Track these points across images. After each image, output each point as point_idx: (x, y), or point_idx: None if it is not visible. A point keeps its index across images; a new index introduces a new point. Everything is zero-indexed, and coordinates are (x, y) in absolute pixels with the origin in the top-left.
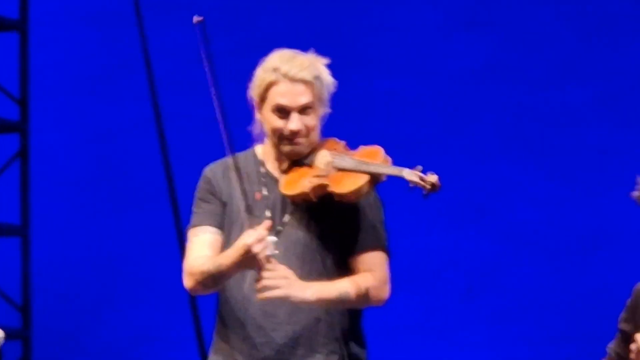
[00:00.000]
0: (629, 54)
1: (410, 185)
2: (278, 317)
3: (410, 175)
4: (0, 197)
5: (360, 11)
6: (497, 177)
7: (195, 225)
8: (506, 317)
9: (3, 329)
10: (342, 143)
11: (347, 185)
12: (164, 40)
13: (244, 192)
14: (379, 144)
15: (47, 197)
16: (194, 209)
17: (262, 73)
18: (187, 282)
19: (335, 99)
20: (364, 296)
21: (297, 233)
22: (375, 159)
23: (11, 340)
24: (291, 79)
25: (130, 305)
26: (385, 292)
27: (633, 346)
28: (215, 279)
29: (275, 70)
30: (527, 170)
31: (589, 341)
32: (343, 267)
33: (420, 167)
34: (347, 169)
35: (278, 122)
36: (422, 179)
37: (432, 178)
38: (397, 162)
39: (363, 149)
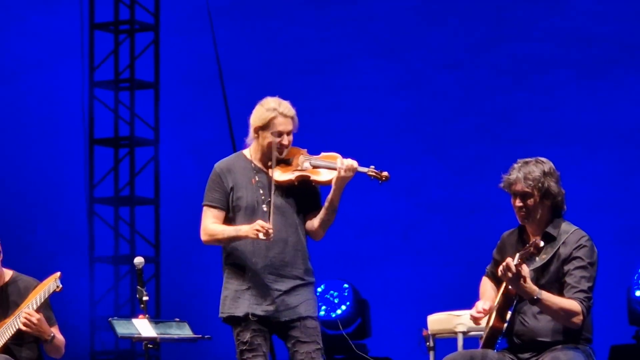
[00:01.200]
0: None
1: (371, 178)
2: (275, 249)
3: (370, 171)
4: None
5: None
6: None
7: (207, 203)
8: (428, 257)
9: None
10: (305, 150)
11: (326, 176)
12: None
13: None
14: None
15: None
16: (206, 191)
17: (265, 112)
18: (203, 238)
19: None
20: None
21: (280, 202)
22: (336, 161)
23: None
24: (285, 115)
25: None
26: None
27: (501, 266)
28: (225, 242)
29: (274, 109)
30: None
31: (480, 265)
32: (303, 222)
33: (372, 166)
34: (321, 166)
35: (275, 140)
36: (378, 173)
37: (385, 173)
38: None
39: (325, 154)
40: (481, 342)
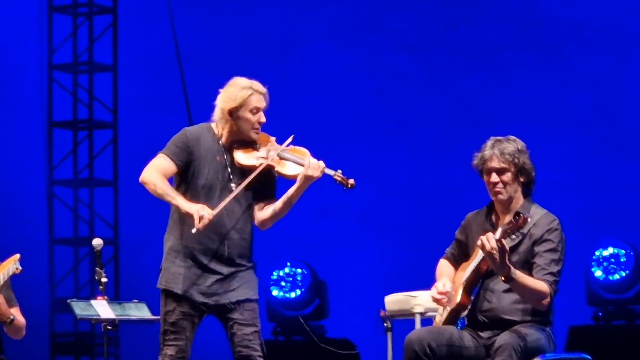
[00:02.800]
0: None
1: (336, 182)
2: (222, 233)
3: (337, 176)
4: None
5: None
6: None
7: (165, 152)
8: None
9: None
10: (274, 138)
11: (291, 170)
12: None
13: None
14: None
15: None
16: (168, 144)
17: (240, 91)
18: (143, 177)
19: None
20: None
21: (238, 184)
22: (304, 158)
23: None
24: (260, 92)
25: None
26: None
27: (481, 239)
28: (157, 195)
29: (249, 87)
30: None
31: (438, 248)
32: (252, 209)
33: (340, 170)
34: (288, 159)
35: (253, 118)
36: (344, 179)
37: (351, 180)
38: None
39: (294, 147)
40: (437, 321)
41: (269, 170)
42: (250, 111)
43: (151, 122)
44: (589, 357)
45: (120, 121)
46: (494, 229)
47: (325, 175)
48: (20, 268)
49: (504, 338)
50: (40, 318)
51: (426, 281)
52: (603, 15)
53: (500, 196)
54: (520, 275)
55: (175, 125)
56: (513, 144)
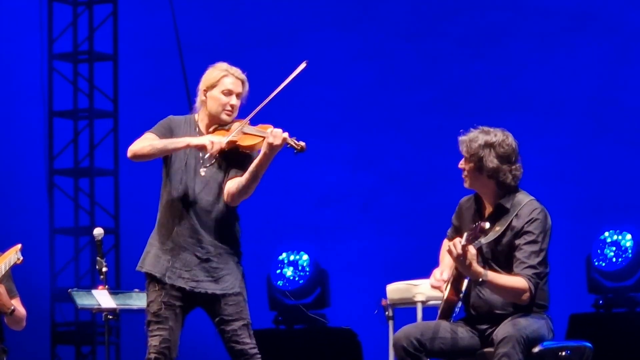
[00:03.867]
0: None
1: (288, 146)
2: (200, 216)
3: (288, 140)
4: None
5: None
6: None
7: (150, 131)
8: (387, 227)
9: None
10: (247, 120)
11: (250, 140)
12: None
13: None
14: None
15: None
16: (156, 126)
17: (216, 71)
18: (132, 149)
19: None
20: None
21: (214, 167)
22: (266, 129)
23: None
24: (237, 77)
25: None
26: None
27: (450, 244)
28: (158, 152)
29: (226, 70)
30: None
31: (439, 235)
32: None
33: (294, 137)
34: (250, 133)
35: (224, 99)
36: (295, 143)
37: (302, 143)
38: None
39: (260, 125)
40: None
41: (235, 148)
42: (222, 92)
43: (152, 111)
44: (589, 344)
45: (121, 110)
46: (480, 218)
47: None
48: (21, 258)
49: (506, 329)
50: (42, 308)
51: (428, 269)
52: (603, 4)
53: (465, 183)
54: (494, 276)
55: (175, 114)
56: (487, 137)
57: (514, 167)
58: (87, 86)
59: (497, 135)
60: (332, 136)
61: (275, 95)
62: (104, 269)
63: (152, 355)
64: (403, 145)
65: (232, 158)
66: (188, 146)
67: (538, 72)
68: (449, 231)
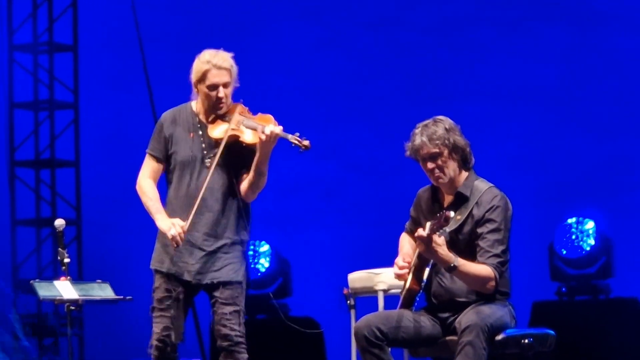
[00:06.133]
0: None
1: (293, 145)
2: (206, 208)
3: (292, 138)
4: None
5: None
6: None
7: (148, 151)
8: (349, 217)
9: None
10: (247, 108)
11: (249, 137)
12: None
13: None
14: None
15: None
16: (151, 139)
17: (200, 64)
18: (137, 186)
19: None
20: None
21: (220, 158)
22: (268, 123)
23: None
24: (219, 67)
25: None
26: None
27: (416, 234)
28: (144, 203)
29: (208, 62)
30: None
31: (401, 224)
32: (238, 179)
33: (297, 133)
34: (252, 127)
35: (212, 94)
36: (299, 141)
37: (306, 142)
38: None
39: (260, 115)
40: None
41: (236, 141)
42: (208, 87)
43: (112, 101)
44: (552, 332)
45: (82, 101)
46: (440, 208)
47: (282, 139)
48: None
49: (469, 318)
50: (4, 299)
51: (390, 258)
52: None
53: (441, 181)
54: (463, 263)
55: (136, 105)
56: (440, 125)
57: (468, 141)
58: (48, 77)
59: (442, 120)
60: (295, 125)
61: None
62: (66, 260)
63: (154, 342)
64: (366, 134)
65: (237, 152)
66: (159, 225)
67: (502, 59)
68: (408, 224)
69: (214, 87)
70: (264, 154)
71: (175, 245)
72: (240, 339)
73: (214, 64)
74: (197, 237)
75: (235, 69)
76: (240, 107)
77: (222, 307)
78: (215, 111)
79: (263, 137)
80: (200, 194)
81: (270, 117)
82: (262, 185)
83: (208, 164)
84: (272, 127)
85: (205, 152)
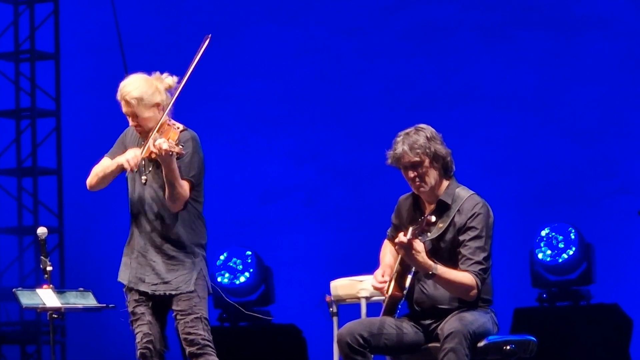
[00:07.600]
0: None
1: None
2: (154, 221)
3: (171, 150)
4: None
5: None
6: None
7: (107, 154)
8: (331, 222)
9: None
10: (172, 122)
11: (146, 152)
12: None
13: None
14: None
15: None
16: (116, 142)
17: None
18: (87, 180)
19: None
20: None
21: (153, 175)
22: (166, 137)
23: None
24: (120, 99)
25: None
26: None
27: (396, 240)
28: (102, 179)
29: (118, 93)
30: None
31: (383, 230)
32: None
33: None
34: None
35: (131, 122)
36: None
37: (178, 148)
38: None
39: (172, 128)
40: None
41: (153, 157)
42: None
43: (94, 109)
44: (533, 338)
45: (63, 109)
46: (421, 215)
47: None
48: None
49: (452, 325)
50: None
51: (372, 265)
52: None
53: (422, 189)
54: (443, 271)
55: (118, 113)
56: (422, 134)
57: (449, 150)
58: (29, 85)
59: (423, 128)
60: (275, 131)
61: (187, 80)
62: (49, 268)
63: (138, 352)
64: (346, 139)
65: (159, 164)
66: (118, 166)
67: (480, 65)
68: (389, 231)
69: (126, 115)
70: (165, 166)
71: (130, 169)
72: (207, 342)
73: (118, 96)
74: (147, 249)
75: (134, 100)
76: (164, 124)
77: (183, 317)
78: (138, 131)
79: (154, 149)
80: (142, 210)
81: (176, 132)
82: (180, 195)
83: (144, 180)
84: (160, 141)
85: (143, 167)
